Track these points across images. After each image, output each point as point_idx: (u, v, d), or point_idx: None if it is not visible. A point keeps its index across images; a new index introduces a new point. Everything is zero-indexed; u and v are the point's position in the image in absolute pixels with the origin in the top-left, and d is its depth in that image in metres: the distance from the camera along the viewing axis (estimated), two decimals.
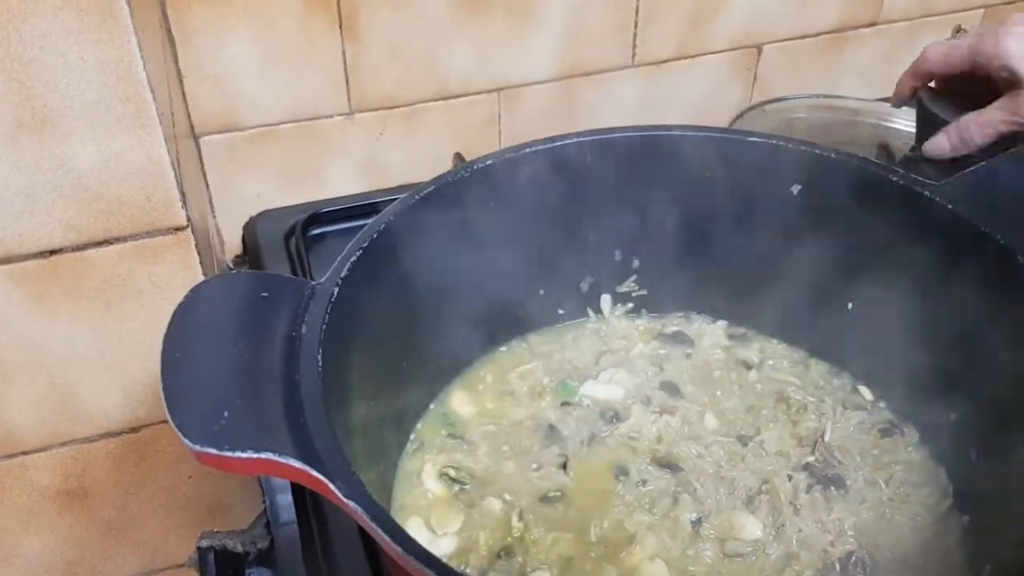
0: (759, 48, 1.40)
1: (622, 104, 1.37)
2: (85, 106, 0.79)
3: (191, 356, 0.70)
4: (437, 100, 1.27)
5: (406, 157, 1.30)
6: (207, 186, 1.23)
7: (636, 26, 1.30)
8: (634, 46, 1.32)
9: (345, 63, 1.20)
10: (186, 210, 0.87)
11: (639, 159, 0.98)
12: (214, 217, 1.25)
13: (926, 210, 0.89)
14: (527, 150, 0.94)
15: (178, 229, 0.88)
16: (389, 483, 0.92)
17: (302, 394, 0.70)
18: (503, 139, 1.34)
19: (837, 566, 0.84)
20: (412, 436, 0.96)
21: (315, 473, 0.64)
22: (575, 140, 0.96)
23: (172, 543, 1.11)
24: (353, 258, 0.82)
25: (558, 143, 0.95)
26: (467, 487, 0.91)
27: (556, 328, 1.07)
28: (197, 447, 0.64)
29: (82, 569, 1.09)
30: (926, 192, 0.89)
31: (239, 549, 1.11)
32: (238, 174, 1.24)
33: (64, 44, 0.76)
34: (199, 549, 1.11)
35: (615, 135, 0.97)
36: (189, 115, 1.16)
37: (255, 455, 0.64)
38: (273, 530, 1.07)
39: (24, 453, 0.98)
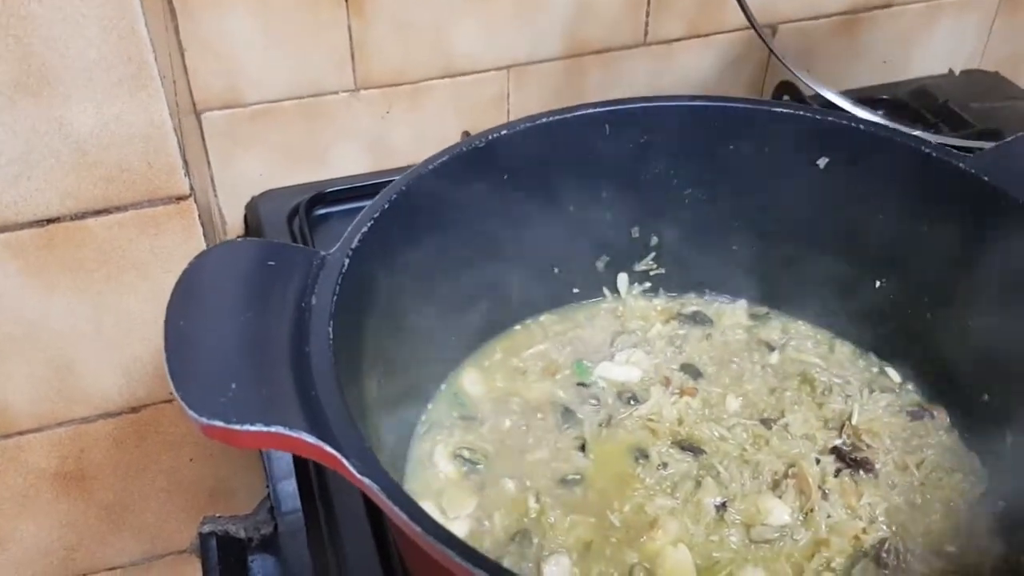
0: (773, 28, 1.37)
1: (633, 83, 1.34)
2: (85, 66, 0.76)
3: (196, 326, 0.67)
4: (444, 77, 1.24)
5: (412, 136, 1.27)
6: (208, 163, 1.19)
7: (649, 4, 1.28)
8: (646, 24, 1.29)
9: (351, 38, 1.17)
10: (189, 178, 0.84)
11: (657, 132, 0.95)
12: (216, 196, 1.22)
13: (959, 182, 0.86)
14: (543, 120, 0.91)
15: (180, 198, 0.85)
16: (400, 465, 0.89)
17: (312, 367, 0.67)
18: (511, 118, 1.30)
19: (869, 553, 0.80)
20: (423, 417, 0.93)
21: (328, 448, 0.61)
22: (592, 111, 0.93)
23: (173, 528, 1.08)
24: (364, 229, 0.79)
25: (575, 113, 0.92)
26: (480, 468, 0.88)
27: (571, 307, 1.04)
28: (204, 420, 0.60)
29: (80, 554, 1.06)
30: (960, 164, 0.86)
31: (242, 535, 1.08)
32: (240, 152, 1.20)
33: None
34: (200, 535, 1.08)
35: (633, 106, 0.94)
36: (191, 90, 1.13)
37: (264, 428, 0.60)
38: (277, 517, 1.04)
39: (19, 433, 0.95)
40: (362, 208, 0.82)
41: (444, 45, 1.21)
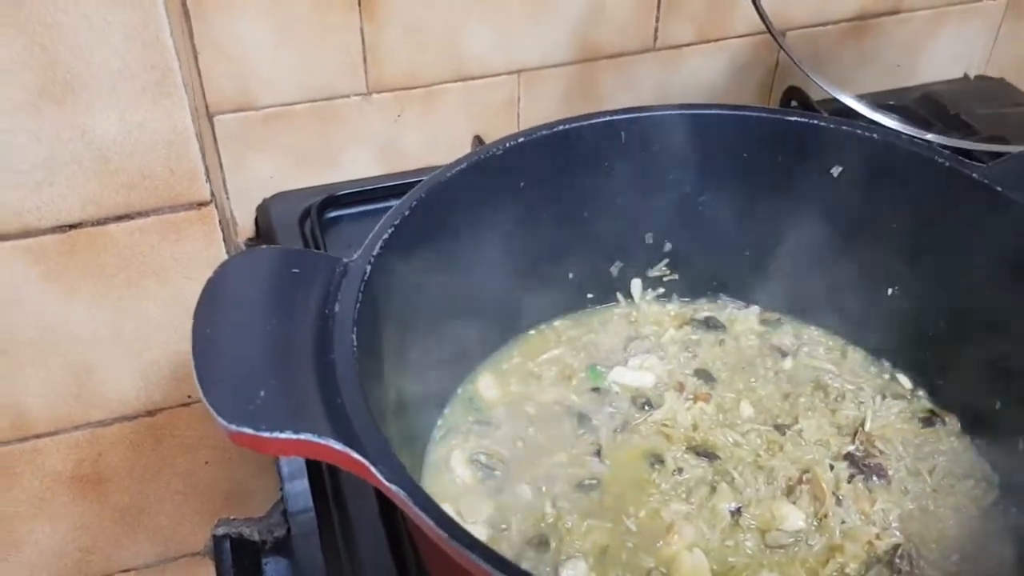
0: (782, 34, 1.37)
1: (642, 88, 1.34)
2: (109, 74, 0.76)
3: (222, 333, 0.67)
4: (456, 81, 1.25)
5: (424, 139, 1.27)
6: (221, 166, 1.20)
7: (659, 8, 1.28)
8: (656, 29, 1.30)
9: (363, 41, 1.17)
10: (210, 184, 0.84)
11: (673, 139, 0.95)
12: (228, 199, 1.22)
13: (973, 192, 0.87)
14: (560, 128, 0.92)
15: (201, 204, 0.85)
16: (417, 470, 0.89)
17: (337, 374, 0.67)
18: (522, 122, 1.31)
19: (883, 559, 0.81)
20: (440, 422, 0.94)
21: (356, 455, 0.62)
22: (609, 119, 0.94)
23: (187, 531, 1.09)
24: (385, 236, 0.79)
25: (591, 121, 0.93)
26: (497, 473, 0.88)
27: (585, 312, 1.05)
28: (233, 427, 0.61)
29: (95, 556, 1.06)
30: (973, 174, 0.87)
31: (255, 537, 1.09)
32: (252, 155, 1.21)
33: (89, 7, 0.73)
34: (214, 537, 1.09)
35: (649, 113, 0.95)
36: (204, 93, 1.13)
37: (293, 436, 0.61)
38: (289, 518, 1.05)
39: (36, 437, 0.95)
40: (373, 211, 0.83)
41: (456, 49, 1.21)
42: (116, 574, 1.09)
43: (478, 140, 1.27)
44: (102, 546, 1.06)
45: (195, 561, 1.11)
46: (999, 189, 0.85)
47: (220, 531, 1.08)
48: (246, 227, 1.26)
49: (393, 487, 0.61)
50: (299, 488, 1.01)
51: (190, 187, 0.83)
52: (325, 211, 1.21)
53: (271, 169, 1.23)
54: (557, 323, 1.04)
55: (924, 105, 1.38)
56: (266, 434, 0.61)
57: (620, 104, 1.22)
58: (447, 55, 1.22)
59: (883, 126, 1.22)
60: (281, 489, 1.07)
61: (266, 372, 0.65)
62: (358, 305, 0.73)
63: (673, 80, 1.35)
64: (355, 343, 0.70)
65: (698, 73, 1.36)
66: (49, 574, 1.05)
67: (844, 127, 0.92)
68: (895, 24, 1.43)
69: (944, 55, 1.48)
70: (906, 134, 1.19)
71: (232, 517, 1.09)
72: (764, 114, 0.95)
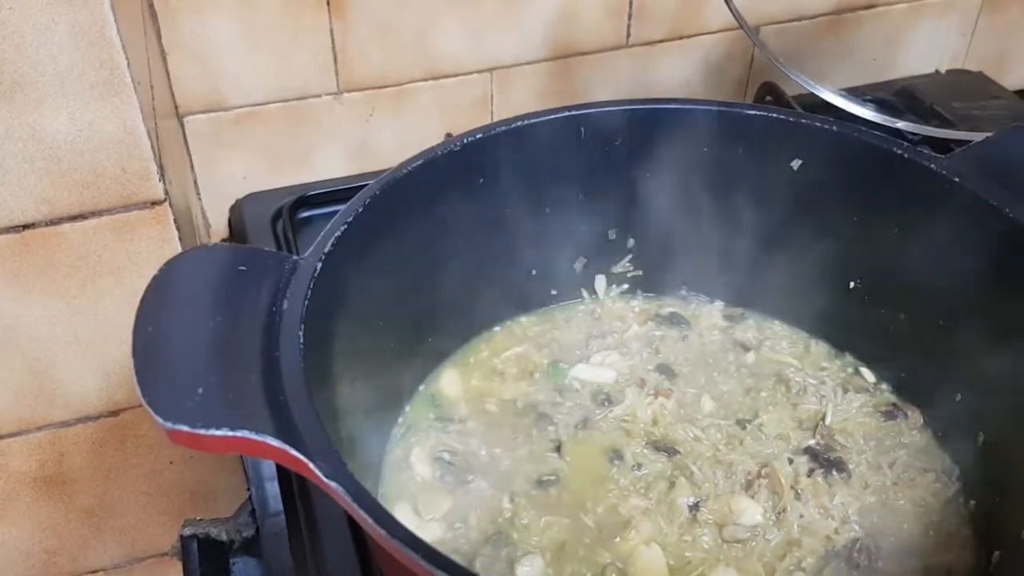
0: (756, 29, 1.37)
1: (617, 85, 1.34)
2: (57, 72, 0.76)
3: (165, 330, 0.67)
4: (427, 80, 1.25)
5: (396, 139, 1.27)
6: (192, 167, 1.20)
7: (631, 5, 1.28)
8: (628, 26, 1.30)
9: (333, 41, 1.17)
10: (164, 183, 0.84)
11: (633, 134, 0.95)
12: (199, 199, 1.22)
13: (932, 184, 0.86)
14: (517, 124, 0.91)
15: (155, 203, 0.85)
16: (376, 468, 0.89)
17: (282, 371, 0.67)
18: (495, 120, 1.30)
19: (841, 553, 0.81)
20: (400, 420, 0.93)
21: (294, 452, 0.61)
22: (566, 114, 0.93)
23: (154, 531, 1.08)
24: (338, 233, 0.79)
25: (549, 117, 0.92)
26: (456, 470, 0.88)
27: (549, 309, 1.05)
28: (169, 424, 0.60)
29: (61, 558, 1.06)
30: (932, 165, 0.86)
31: (223, 537, 1.09)
32: (223, 155, 1.21)
33: (34, 6, 0.73)
34: (182, 537, 1.09)
35: (608, 109, 0.94)
36: (173, 94, 1.13)
37: (230, 433, 0.60)
38: (259, 520, 1.04)
39: None
40: None
41: (427, 47, 1.21)
42: (83, 575, 1.09)
43: (448, 138, 1.26)
44: (68, 547, 1.06)
45: (162, 562, 1.11)
46: (956, 180, 0.84)
47: (187, 531, 1.08)
48: (220, 228, 1.26)
49: (332, 484, 0.61)
50: (271, 491, 1.01)
51: (143, 186, 0.83)
52: (297, 211, 1.21)
53: (244, 170, 1.23)
54: (522, 319, 1.03)
55: (901, 99, 1.37)
56: (202, 431, 0.60)
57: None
58: (418, 54, 1.22)
59: (859, 118, 1.22)
60: (249, 490, 1.07)
61: (207, 370, 0.65)
62: (307, 302, 0.72)
63: (648, 78, 1.35)
64: (302, 340, 0.69)
65: (672, 70, 1.36)
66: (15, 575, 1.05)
67: (803, 120, 0.92)
68: (872, 18, 1.43)
69: (921, 49, 1.48)
70: (882, 124, 1.20)
71: (199, 517, 1.09)
72: (724, 108, 0.94)
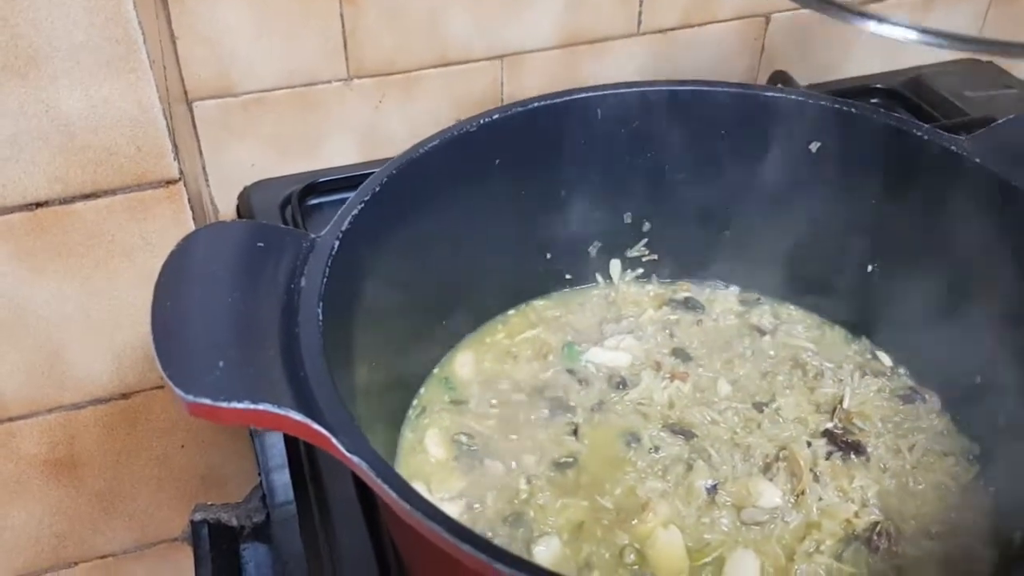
0: (767, 17, 1.36)
1: (627, 73, 1.33)
2: (72, 47, 0.75)
3: (183, 305, 0.67)
4: (437, 67, 1.24)
5: (405, 126, 1.26)
6: (200, 153, 1.19)
7: None
8: (640, 13, 1.29)
9: (343, 27, 1.16)
10: (178, 162, 0.83)
11: (651, 117, 0.94)
12: (208, 186, 1.22)
13: (952, 165, 0.86)
14: (534, 105, 0.91)
15: (170, 182, 0.84)
16: (391, 451, 0.88)
17: (302, 346, 0.66)
18: None
19: (861, 536, 0.80)
20: (415, 402, 0.93)
21: (316, 426, 0.61)
22: (583, 95, 0.92)
23: (165, 516, 1.08)
24: (355, 211, 0.78)
25: (566, 99, 0.92)
26: (472, 451, 0.87)
27: (563, 293, 1.04)
28: (190, 397, 0.60)
29: (71, 542, 1.05)
30: (952, 146, 0.86)
31: (234, 523, 1.08)
32: (232, 142, 1.20)
33: None
34: (192, 522, 1.08)
35: (626, 90, 0.94)
36: (183, 79, 1.13)
37: (252, 406, 0.60)
38: (270, 506, 1.04)
39: (9, 420, 0.94)
40: None
41: (437, 34, 1.21)
42: (93, 559, 1.08)
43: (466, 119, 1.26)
44: (78, 531, 1.05)
45: (173, 547, 1.10)
46: (977, 160, 0.84)
47: (198, 516, 1.07)
48: (228, 214, 1.26)
49: (355, 458, 0.60)
50: (283, 479, 1.00)
51: (157, 164, 0.83)
52: (306, 198, 1.19)
53: (253, 156, 1.22)
54: (537, 303, 1.03)
55: (912, 88, 1.37)
56: (223, 404, 0.60)
57: None
58: (429, 40, 1.21)
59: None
60: (260, 475, 1.07)
61: (227, 344, 0.64)
62: (325, 280, 0.72)
63: (659, 65, 1.34)
64: (321, 318, 0.69)
65: (683, 58, 1.35)
66: (25, 559, 1.04)
67: (822, 102, 0.91)
68: (884, 7, 1.42)
69: None
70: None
71: (209, 502, 1.08)
72: (741, 90, 0.94)
